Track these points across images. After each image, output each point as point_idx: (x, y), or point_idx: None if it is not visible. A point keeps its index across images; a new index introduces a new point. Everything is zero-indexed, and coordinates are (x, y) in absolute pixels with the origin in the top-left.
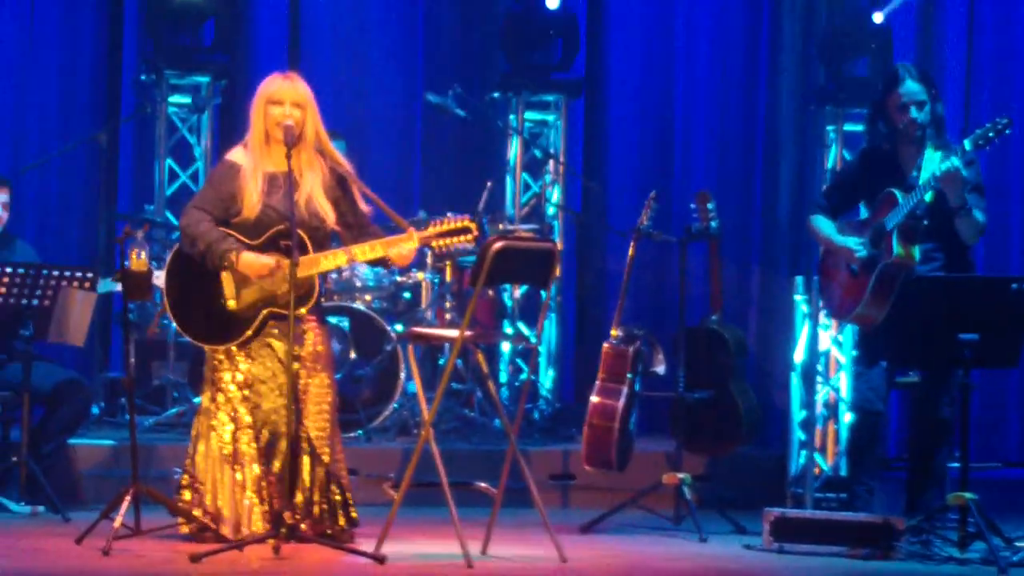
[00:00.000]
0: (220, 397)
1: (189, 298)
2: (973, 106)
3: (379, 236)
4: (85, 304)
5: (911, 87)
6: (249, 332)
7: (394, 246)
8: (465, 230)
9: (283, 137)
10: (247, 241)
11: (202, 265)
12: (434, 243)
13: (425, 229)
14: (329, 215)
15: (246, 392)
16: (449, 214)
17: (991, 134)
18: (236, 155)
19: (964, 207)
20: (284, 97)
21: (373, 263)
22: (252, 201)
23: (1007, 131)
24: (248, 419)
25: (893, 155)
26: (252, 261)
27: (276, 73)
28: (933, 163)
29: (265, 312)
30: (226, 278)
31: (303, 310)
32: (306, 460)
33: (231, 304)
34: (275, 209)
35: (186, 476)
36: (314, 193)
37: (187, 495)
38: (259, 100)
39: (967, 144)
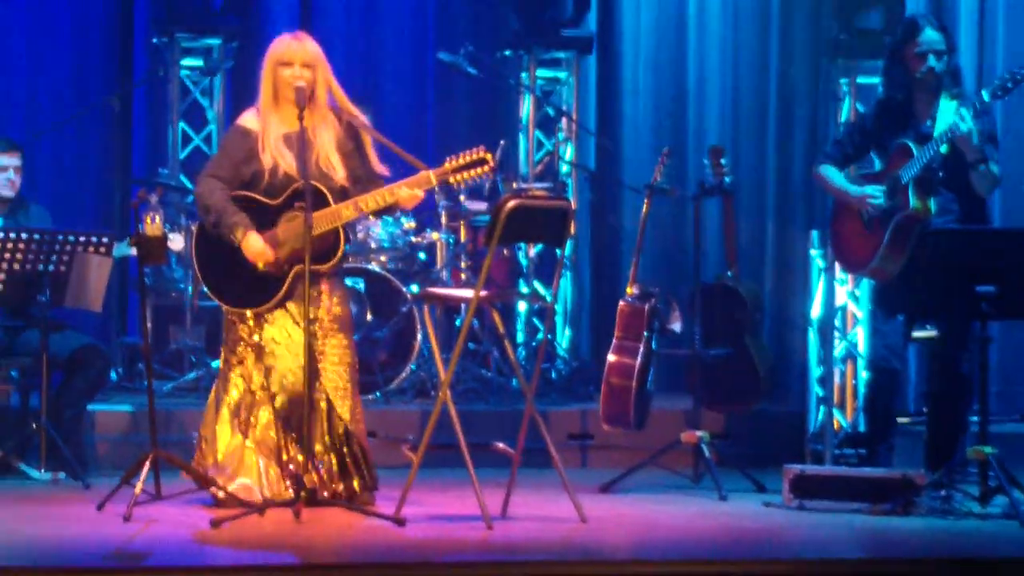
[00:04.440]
0: (233, 359)
1: (220, 264)
2: (987, 55)
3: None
4: (101, 269)
5: (931, 35)
6: (282, 292)
7: (412, 187)
8: (481, 161)
9: (295, 98)
10: (268, 202)
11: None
12: (452, 179)
13: (441, 167)
14: (339, 172)
15: (261, 354)
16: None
17: (1010, 84)
18: (248, 120)
19: (981, 160)
20: (294, 58)
21: (382, 211)
22: (267, 165)
23: None
24: (260, 380)
25: (908, 104)
26: (253, 244)
27: (285, 34)
28: (948, 112)
29: (296, 270)
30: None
31: (328, 266)
32: (324, 417)
33: (260, 265)
34: (289, 170)
35: (203, 441)
36: (328, 150)
37: (205, 459)
38: (269, 62)
39: (985, 94)
